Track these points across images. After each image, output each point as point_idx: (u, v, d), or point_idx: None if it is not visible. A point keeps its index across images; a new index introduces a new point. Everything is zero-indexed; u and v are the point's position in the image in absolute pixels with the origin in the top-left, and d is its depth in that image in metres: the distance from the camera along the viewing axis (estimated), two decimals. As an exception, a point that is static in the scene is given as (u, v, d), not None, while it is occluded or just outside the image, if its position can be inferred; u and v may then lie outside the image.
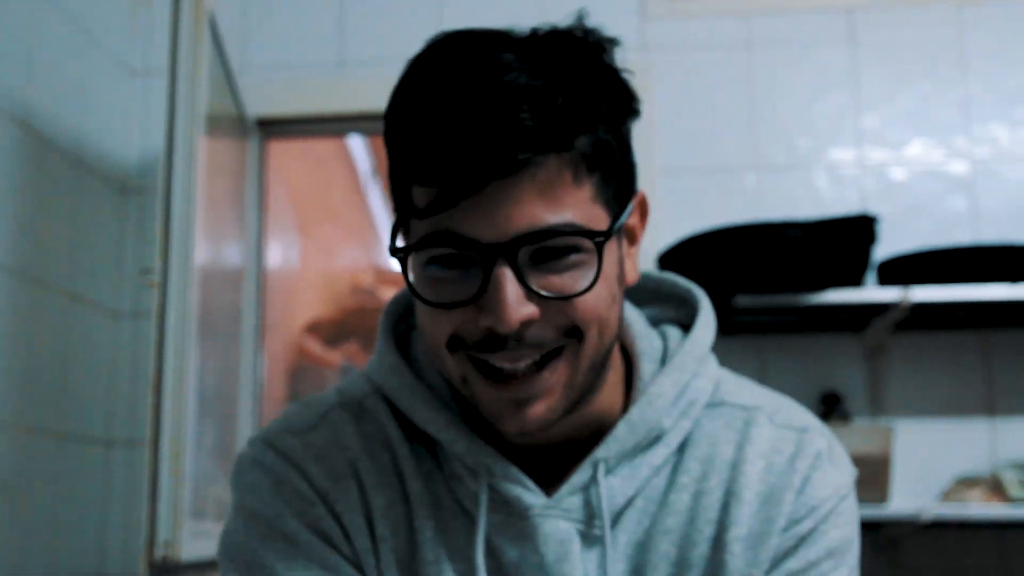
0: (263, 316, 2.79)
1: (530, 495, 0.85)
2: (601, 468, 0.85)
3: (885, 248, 2.49)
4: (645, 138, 2.60)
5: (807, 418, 0.92)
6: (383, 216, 4.37)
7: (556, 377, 0.79)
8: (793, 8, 2.72)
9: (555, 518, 0.84)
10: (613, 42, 0.81)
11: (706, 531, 0.85)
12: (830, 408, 2.47)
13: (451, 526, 0.86)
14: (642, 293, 0.98)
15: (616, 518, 0.86)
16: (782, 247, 2.30)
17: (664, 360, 0.91)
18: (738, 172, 2.65)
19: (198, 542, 2.09)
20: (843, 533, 0.87)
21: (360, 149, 4.13)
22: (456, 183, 0.73)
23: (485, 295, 0.76)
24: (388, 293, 4.01)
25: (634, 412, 0.86)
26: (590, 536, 0.85)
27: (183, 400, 2.06)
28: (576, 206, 0.76)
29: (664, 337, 0.93)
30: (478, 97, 0.73)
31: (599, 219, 0.78)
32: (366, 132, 3.13)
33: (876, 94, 2.67)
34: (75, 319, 2.47)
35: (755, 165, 2.65)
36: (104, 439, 2.59)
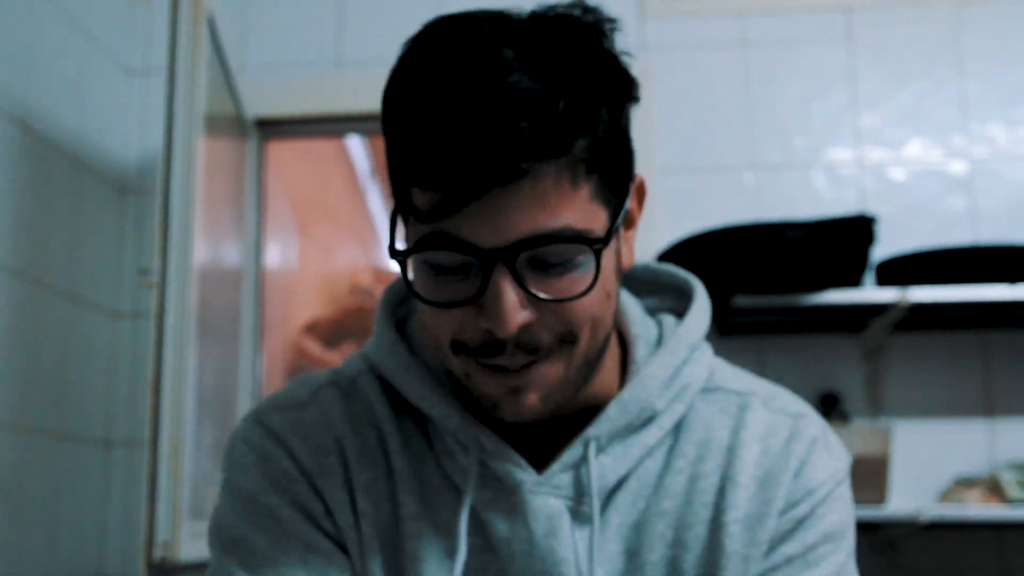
0: (262, 316, 2.79)
1: (521, 471, 0.86)
2: (592, 446, 0.86)
3: (884, 248, 2.49)
4: (644, 138, 2.60)
5: (801, 405, 0.93)
6: (382, 216, 4.37)
7: (551, 372, 0.81)
8: (791, 8, 2.72)
9: (545, 494, 0.85)
10: (613, 22, 0.81)
11: (702, 514, 0.86)
12: (829, 408, 2.47)
13: (437, 502, 0.87)
14: (641, 285, 0.99)
15: (608, 498, 0.87)
16: (781, 247, 2.30)
17: (659, 345, 0.92)
18: (737, 172, 2.66)
19: (197, 542, 2.09)
20: (840, 518, 0.88)
21: (359, 149, 4.13)
22: (458, 190, 0.73)
23: (484, 297, 0.76)
24: (387, 293, 3.99)
25: (626, 392, 0.87)
26: (580, 513, 0.86)
27: (182, 400, 2.06)
28: (575, 209, 0.76)
29: (660, 324, 0.95)
30: (480, 102, 0.72)
31: (598, 217, 0.78)
32: (365, 132, 3.13)
33: (874, 93, 2.67)
34: (74, 319, 2.47)
35: (753, 165, 2.65)
36: (103, 439, 2.59)
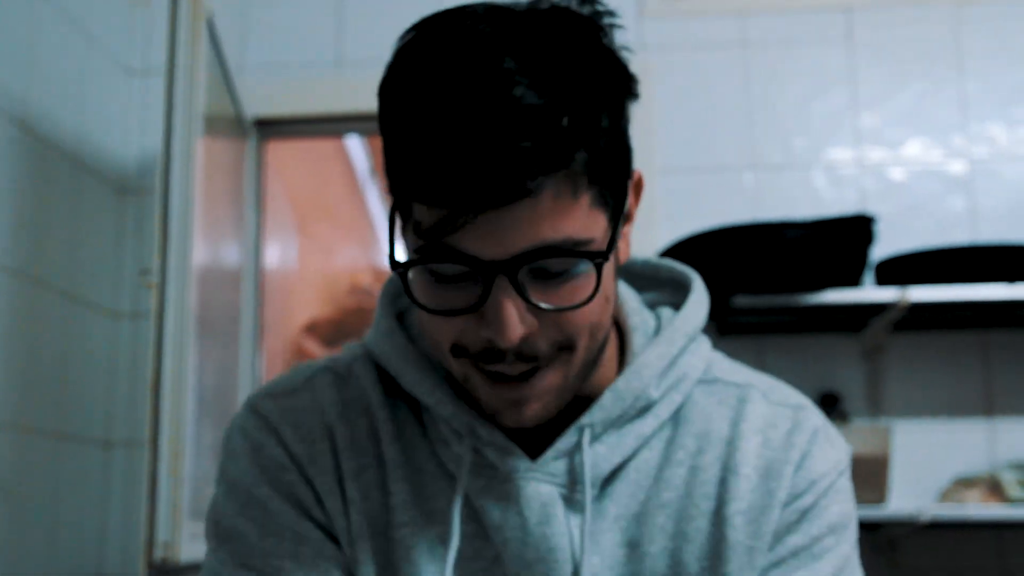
0: (261, 316, 2.79)
1: (514, 458, 0.86)
2: (586, 434, 0.86)
3: (883, 248, 2.49)
4: (644, 138, 2.60)
5: (801, 397, 0.93)
6: (381, 216, 4.37)
7: (550, 380, 0.81)
8: (791, 8, 2.72)
9: (538, 481, 0.85)
10: (612, 15, 0.81)
11: (703, 506, 0.86)
12: (828, 408, 2.47)
13: (431, 490, 0.87)
14: (641, 279, 0.99)
15: (604, 487, 0.87)
16: (780, 247, 2.30)
17: (656, 336, 0.92)
18: (736, 172, 2.66)
19: (197, 543, 2.09)
20: (843, 509, 0.89)
21: (358, 149, 4.13)
22: (460, 208, 0.73)
23: (485, 307, 0.76)
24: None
25: (620, 381, 0.87)
26: (574, 501, 0.86)
27: (182, 400, 2.06)
28: (575, 219, 0.75)
29: (658, 317, 0.95)
30: (483, 118, 0.71)
31: (598, 223, 0.77)
32: (364, 132, 3.13)
33: (874, 93, 2.68)
34: (74, 319, 2.47)
35: (753, 165, 2.66)
36: (103, 440, 2.59)
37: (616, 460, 0.87)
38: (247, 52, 2.77)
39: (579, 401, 0.87)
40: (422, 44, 0.77)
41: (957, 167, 2.62)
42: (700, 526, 0.86)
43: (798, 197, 2.62)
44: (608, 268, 0.79)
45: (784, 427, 0.89)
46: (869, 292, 2.33)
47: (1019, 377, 2.53)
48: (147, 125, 2.70)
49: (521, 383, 0.80)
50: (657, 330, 0.93)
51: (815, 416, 0.91)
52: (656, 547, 0.86)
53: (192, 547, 2.05)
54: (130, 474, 2.56)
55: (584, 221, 0.76)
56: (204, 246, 2.23)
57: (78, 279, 2.49)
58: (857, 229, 2.34)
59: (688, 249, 2.38)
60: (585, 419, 0.87)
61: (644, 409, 0.88)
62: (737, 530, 0.85)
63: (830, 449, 0.90)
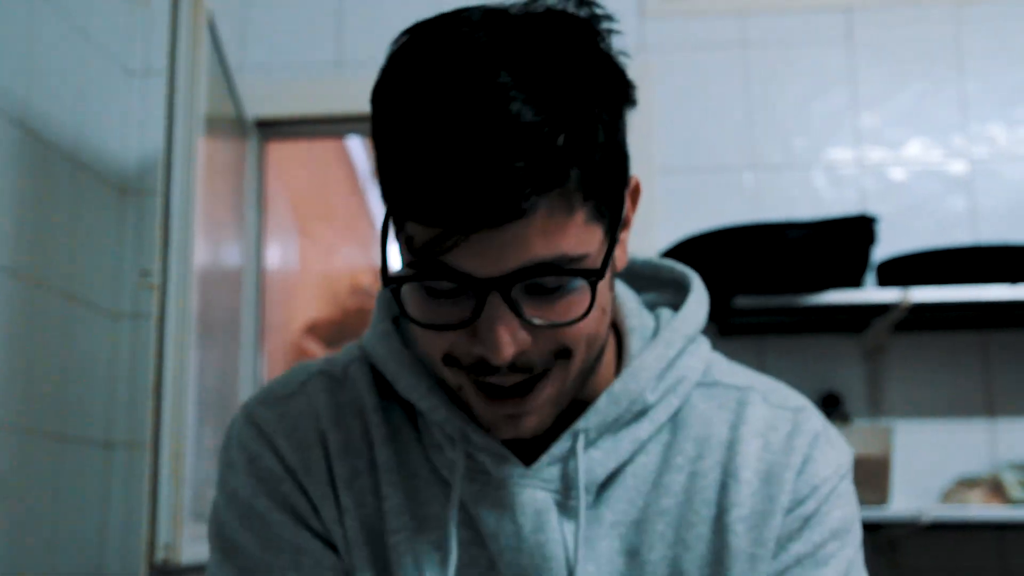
0: (262, 317, 2.79)
1: (508, 465, 0.85)
2: (581, 439, 0.85)
3: (884, 248, 2.49)
4: (643, 138, 2.60)
5: (801, 399, 0.92)
6: (382, 217, 4.37)
7: (546, 393, 0.80)
8: (791, 8, 2.72)
9: (533, 488, 0.84)
10: (610, 19, 0.79)
11: (703, 512, 0.85)
12: (830, 409, 2.47)
13: (424, 495, 0.87)
14: (640, 280, 0.98)
15: (600, 493, 0.86)
16: (781, 248, 2.30)
17: (654, 337, 0.91)
18: (736, 172, 2.65)
19: (198, 545, 2.09)
20: (845, 513, 0.88)
21: (359, 150, 4.13)
22: (452, 227, 0.72)
23: (478, 322, 0.75)
24: (387, 294, 3.99)
25: (616, 385, 0.86)
26: (568, 507, 0.85)
27: (183, 402, 2.05)
28: (569, 235, 0.74)
29: (657, 318, 0.94)
30: (479, 136, 0.70)
31: (594, 237, 0.76)
32: (365, 133, 3.12)
33: (874, 93, 2.67)
34: (74, 321, 2.47)
35: (753, 165, 2.65)
36: (104, 441, 2.59)
37: (612, 465, 0.86)
38: (248, 53, 2.77)
39: (575, 405, 0.86)
40: (416, 53, 0.75)
41: (957, 167, 2.62)
42: (701, 533, 0.85)
43: (798, 197, 2.62)
44: (604, 282, 0.78)
45: (784, 430, 0.88)
46: (870, 293, 2.33)
47: (1021, 377, 2.53)
48: (147, 126, 2.70)
49: (517, 398, 0.79)
50: (656, 332, 0.92)
51: (816, 419, 0.90)
52: (656, 555, 0.85)
53: (193, 548, 2.05)
54: (131, 475, 2.56)
55: (579, 236, 0.75)
56: (205, 247, 2.23)
57: (79, 280, 2.49)
58: (858, 229, 2.34)
59: (689, 250, 2.38)
60: (580, 424, 0.85)
61: (641, 413, 0.87)
62: (739, 537, 0.84)
63: (832, 452, 0.89)
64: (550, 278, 0.75)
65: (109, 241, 2.65)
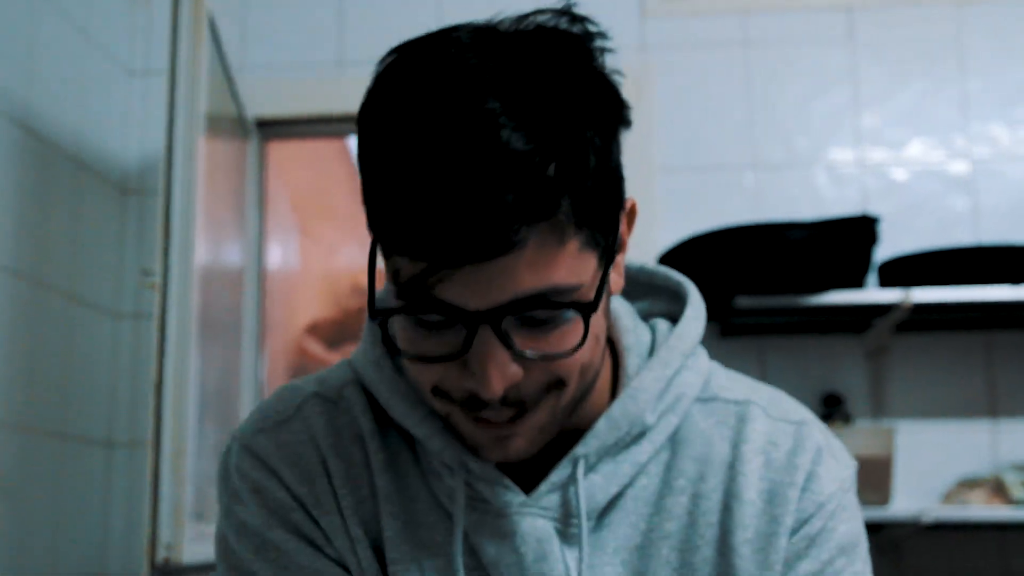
0: (263, 317, 2.79)
1: (508, 493, 0.83)
2: (581, 465, 0.83)
3: (886, 249, 2.49)
4: (644, 137, 2.60)
5: (802, 411, 0.90)
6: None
7: (538, 418, 0.78)
8: (792, 7, 2.72)
9: (533, 516, 0.83)
10: (604, 36, 0.77)
11: (708, 535, 0.84)
12: (831, 410, 2.47)
13: (426, 521, 0.85)
14: (635, 287, 0.96)
15: (602, 518, 0.84)
16: (783, 248, 2.29)
17: (651, 354, 0.89)
18: (737, 172, 2.65)
19: (200, 544, 2.09)
20: (850, 528, 0.86)
21: (360, 149, 4.12)
22: (439, 262, 0.70)
23: (468, 355, 0.73)
24: (389, 294, 3.98)
25: (615, 408, 0.84)
26: (570, 535, 0.83)
27: (184, 401, 2.05)
28: (561, 266, 0.72)
29: (653, 331, 0.91)
30: (465, 168, 0.68)
31: (587, 265, 0.74)
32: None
33: (875, 93, 2.67)
34: (76, 320, 2.47)
35: (754, 164, 2.65)
36: (105, 440, 2.59)
37: (613, 490, 0.84)
38: (248, 52, 2.77)
39: (569, 427, 0.84)
40: (403, 77, 0.73)
41: (959, 167, 2.62)
42: (706, 556, 0.83)
43: (799, 197, 2.62)
44: (598, 313, 0.76)
45: (786, 446, 0.86)
46: (872, 293, 2.33)
47: (1022, 378, 2.53)
48: (148, 126, 2.70)
49: (506, 424, 0.78)
50: (652, 346, 0.90)
51: (818, 432, 0.88)
52: None
53: (195, 548, 2.05)
54: (132, 475, 2.56)
55: (571, 266, 0.72)
56: (206, 246, 2.23)
57: (80, 280, 2.49)
58: (860, 230, 2.34)
59: (690, 250, 2.38)
60: (579, 449, 0.83)
61: (639, 435, 0.85)
62: (745, 560, 0.83)
63: (835, 467, 0.87)
64: (542, 310, 0.73)
65: (110, 241, 2.65)
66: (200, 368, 2.19)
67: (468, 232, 0.68)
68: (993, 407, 2.52)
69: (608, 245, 0.76)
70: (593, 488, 0.83)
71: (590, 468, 0.84)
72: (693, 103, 2.69)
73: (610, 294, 0.82)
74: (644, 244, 2.49)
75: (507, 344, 0.73)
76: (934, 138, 2.64)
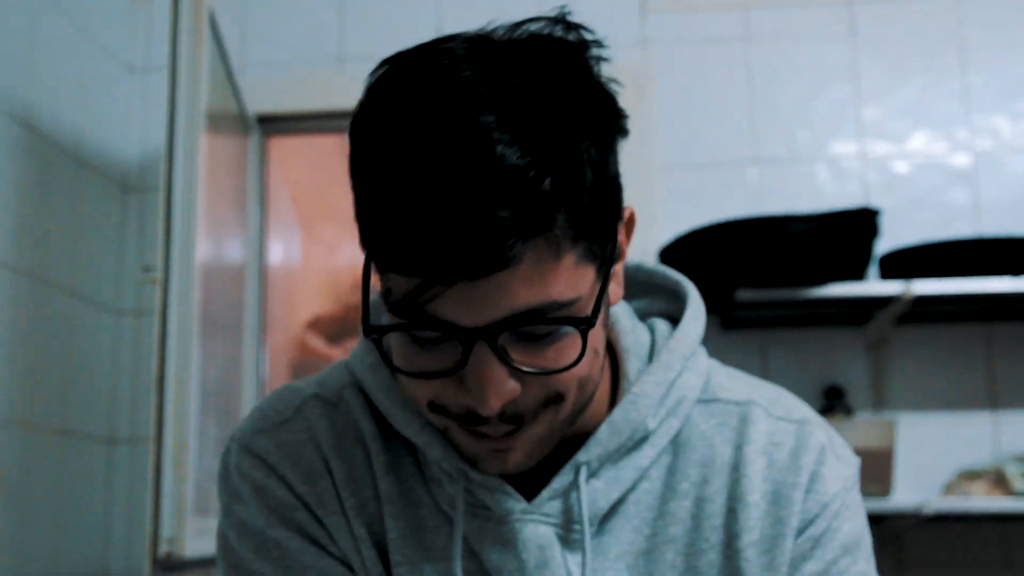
0: (265, 312, 2.79)
1: (509, 500, 0.82)
2: (583, 472, 0.82)
3: (887, 241, 2.49)
4: (644, 134, 2.60)
5: (804, 410, 0.89)
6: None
7: (536, 431, 0.78)
8: (793, 2, 2.72)
9: (535, 523, 0.82)
10: (600, 44, 0.76)
11: (712, 538, 0.83)
12: (832, 402, 2.47)
13: (428, 525, 0.84)
14: (633, 286, 0.95)
15: (603, 523, 0.84)
16: (784, 241, 2.29)
17: (651, 356, 0.88)
18: (739, 166, 2.65)
19: (202, 539, 2.09)
20: (854, 527, 0.86)
21: (361, 145, 4.12)
22: (433, 279, 0.69)
23: (465, 371, 0.73)
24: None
25: (617, 414, 0.83)
26: (572, 542, 0.82)
27: (186, 397, 2.06)
28: (557, 281, 0.71)
29: (652, 331, 0.91)
30: (459, 184, 0.67)
31: (584, 278, 0.73)
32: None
33: (877, 87, 2.67)
34: (77, 317, 2.47)
35: (756, 159, 2.65)
36: (107, 436, 2.59)
37: (614, 496, 0.83)
38: (249, 49, 2.77)
39: (569, 433, 0.83)
40: (395, 90, 0.72)
41: (961, 160, 2.62)
42: (712, 560, 0.83)
43: (801, 191, 2.62)
44: (596, 326, 0.75)
45: (788, 446, 0.85)
46: (873, 285, 2.33)
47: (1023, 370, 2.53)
48: (149, 122, 2.70)
49: (504, 437, 0.77)
50: (652, 347, 0.89)
51: (820, 431, 0.87)
52: None
53: (197, 543, 2.06)
54: (134, 471, 2.57)
55: (568, 280, 0.71)
56: (207, 243, 2.24)
57: (81, 277, 2.50)
58: (862, 223, 2.34)
59: (691, 243, 2.38)
60: (581, 456, 0.83)
61: (641, 440, 0.84)
62: (751, 563, 0.82)
63: (839, 465, 0.86)
64: (539, 325, 0.72)
65: (111, 238, 2.65)
66: (201, 364, 2.19)
67: (462, 248, 0.67)
68: (994, 399, 2.53)
69: (606, 256, 0.75)
70: (595, 494, 0.83)
71: (592, 474, 0.83)
72: (694, 99, 2.68)
73: (609, 305, 0.81)
74: (646, 240, 2.49)
75: (504, 360, 0.72)
76: (935, 131, 2.64)
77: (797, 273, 2.30)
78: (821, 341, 2.56)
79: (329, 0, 2.80)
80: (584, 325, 0.73)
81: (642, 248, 2.45)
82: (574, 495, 0.83)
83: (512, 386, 0.73)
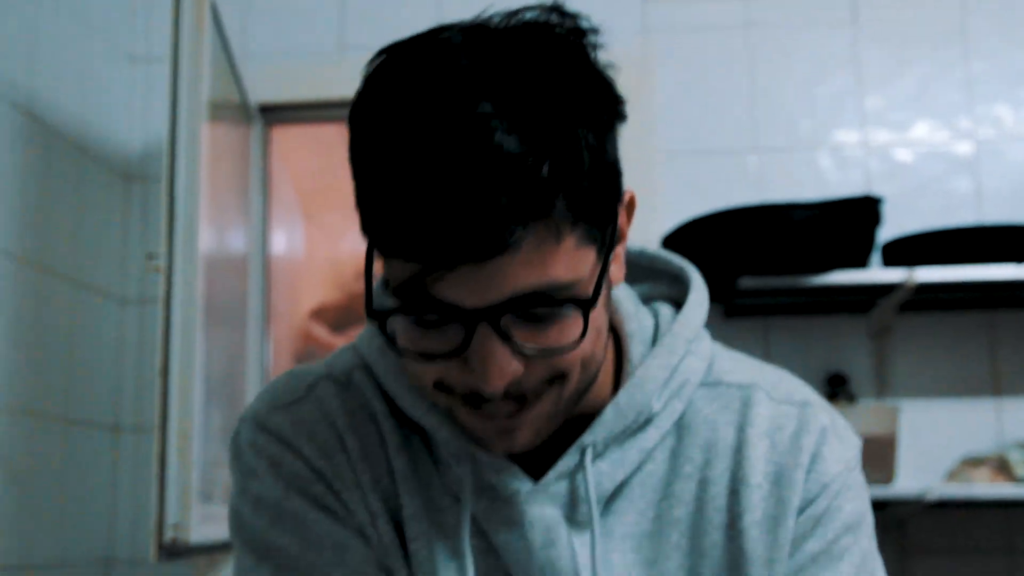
0: (268, 301, 2.79)
1: (515, 480, 0.84)
2: (588, 453, 0.84)
3: (890, 229, 2.49)
4: (646, 122, 2.59)
5: (806, 392, 0.90)
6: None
7: (541, 409, 0.79)
8: (796, -11, 2.71)
9: (541, 504, 0.84)
10: (596, 32, 0.76)
11: (716, 519, 0.85)
12: (836, 389, 2.48)
13: (440, 503, 0.86)
14: (636, 270, 0.96)
15: (608, 504, 0.85)
16: (786, 229, 2.29)
17: (655, 340, 0.89)
18: (741, 154, 2.65)
19: (207, 526, 2.10)
20: (856, 507, 0.87)
21: (364, 134, 4.11)
22: (434, 264, 0.70)
23: (468, 352, 0.74)
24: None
25: (622, 396, 0.85)
26: (578, 522, 0.84)
27: (190, 385, 2.06)
28: (558, 263, 0.72)
29: (655, 315, 0.92)
30: (459, 170, 0.68)
31: (585, 260, 0.74)
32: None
33: (879, 75, 2.67)
34: (81, 306, 2.48)
35: (758, 147, 2.65)
36: (111, 425, 2.60)
37: (619, 477, 0.85)
38: (251, 38, 2.77)
39: (577, 416, 0.84)
40: (394, 80, 0.73)
41: (963, 148, 2.62)
42: (715, 540, 0.84)
43: (803, 179, 2.62)
44: (598, 306, 0.76)
45: (790, 428, 0.86)
46: (876, 273, 2.33)
47: (1026, 357, 2.53)
48: (151, 112, 2.71)
49: (510, 417, 0.78)
50: (655, 331, 0.90)
51: (822, 413, 0.88)
52: (673, 564, 0.84)
53: (202, 529, 2.07)
54: (139, 458, 2.58)
55: (569, 262, 0.72)
56: (210, 232, 2.24)
57: (85, 266, 2.50)
58: (864, 210, 2.34)
59: (694, 231, 2.38)
60: (587, 437, 0.84)
61: (645, 422, 0.86)
62: (754, 542, 0.84)
63: (840, 447, 0.87)
64: (541, 306, 0.73)
65: (114, 227, 2.66)
66: (205, 352, 2.20)
67: (463, 234, 0.68)
68: (997, 386, 2.53)
69: (606, 238, 0.76)
70: (600, 475, 0.84)
71: (597, 455, 0.85)
72: (696, 87, 2.68)
73: (610, 286, 0.82)
74: (648, 228, 2.49)
75: (507, 340, 0.73)
76: (938, 119, 2.64)
77: (800, 261, 2.30)
78: (824, 329, 2.57)
79: (331, -11, 2.79)
80: (586, 305, 0.74)
81: (644, 236, 2.45)
82: (580, 476, 0.84)
83: (515, 366, 0.74)
